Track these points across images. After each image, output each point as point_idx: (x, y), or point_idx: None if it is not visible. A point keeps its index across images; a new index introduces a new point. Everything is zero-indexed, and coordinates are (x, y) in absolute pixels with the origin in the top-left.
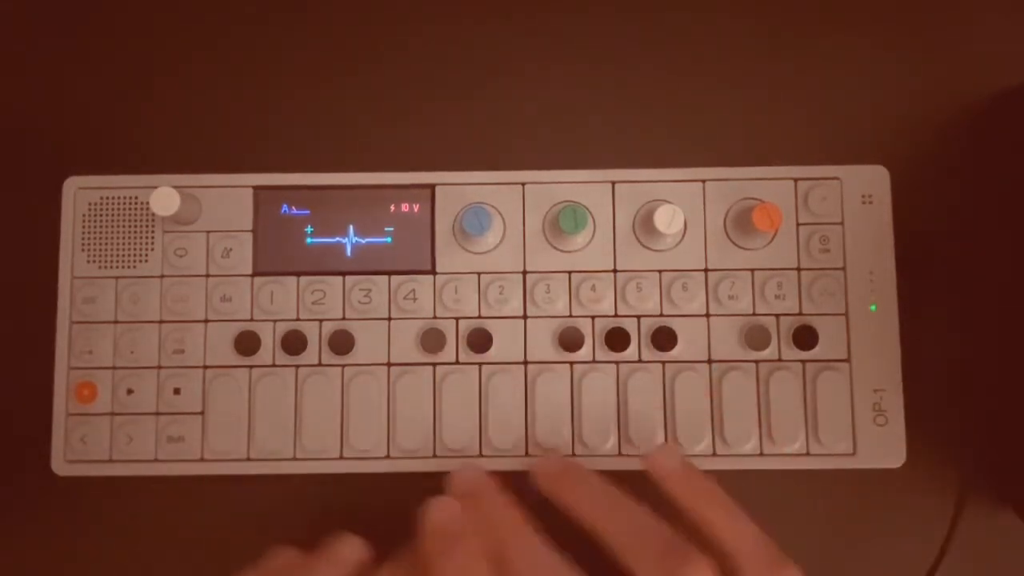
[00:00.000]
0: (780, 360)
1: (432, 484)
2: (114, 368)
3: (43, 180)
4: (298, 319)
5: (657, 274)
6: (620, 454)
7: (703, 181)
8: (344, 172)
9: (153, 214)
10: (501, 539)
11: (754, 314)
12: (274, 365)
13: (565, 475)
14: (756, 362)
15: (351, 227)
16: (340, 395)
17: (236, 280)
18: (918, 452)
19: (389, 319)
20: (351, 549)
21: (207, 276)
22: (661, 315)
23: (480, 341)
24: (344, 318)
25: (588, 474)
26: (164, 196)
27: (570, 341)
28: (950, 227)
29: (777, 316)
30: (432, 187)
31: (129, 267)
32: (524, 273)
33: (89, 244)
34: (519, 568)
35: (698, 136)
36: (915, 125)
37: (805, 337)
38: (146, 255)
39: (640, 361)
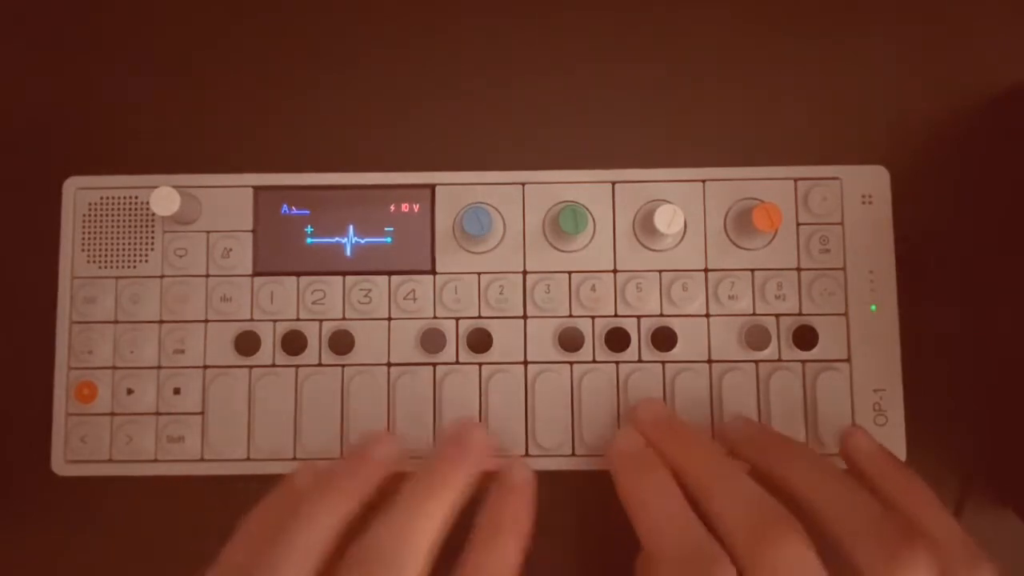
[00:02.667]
0: (780, 360)
1: None
2: (114, 368)
3: (43, 180)
4: (298, 319)
5: (657, 274)
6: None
7: (703, 181)
8: (344, 172)
9: (153, 214)
10: (698, 469)
11: (754, 314)
12: (274, 365)
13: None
14: (756, 362)
15: (351, 227)
16: (340, 395)
17: (236, 280)
18: (918, 452)
19: (389, 319)
20: (385, 448)
21: (207, 276)
22: (661, 315)
23: (480, 341)
24: (344, 318)
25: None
26: (164, 196)
27: (570, 341)
28: (950, 227)
29: (777, 316)
30: (432, 187)
31: (129, 267)
32: (524, 273)
33: (89, 244)
34: (722, 499)
35: (698, 136)
36: (915, 125)
37: (805, 337)
38: (146, 255)
39: (640, 361)
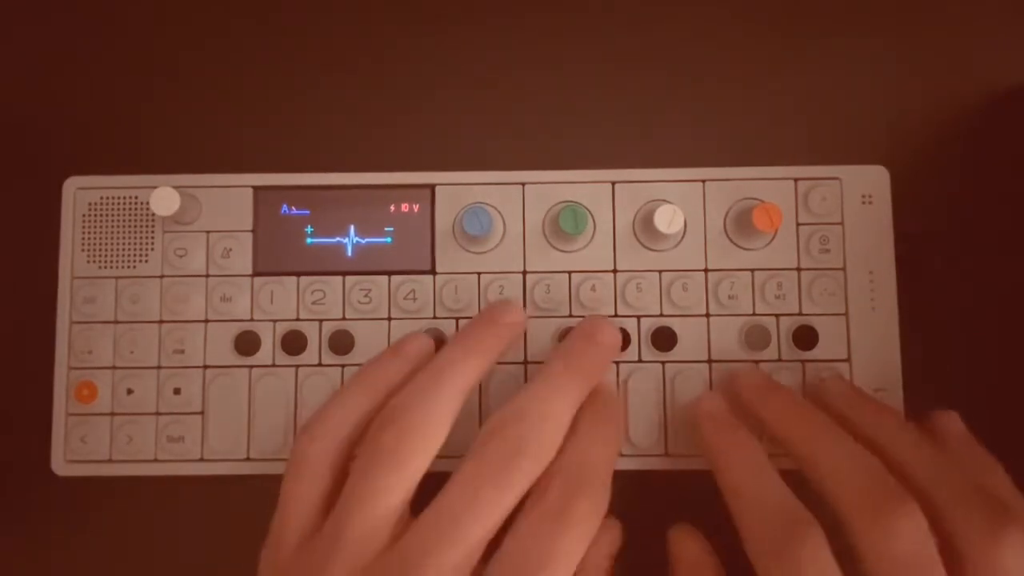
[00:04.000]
0: (780, 360)
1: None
2: (114, 368)
3: (43, 180)
4: (298, 319)
5: (657, 274)
6: (621, 454)
7: (703, 181)
8: (344, 172)
9: (153, 214)
10: (804, 436)
11: (754, 314)
12: (274, 365)
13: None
14: (756, 362)
15: (351, 227)
16: None
17: (236, 280)
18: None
19: (389, 319)
20: (516, 314)
21: (207, 276)
22: (661, 315)
23: None
24: (344, 318)
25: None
26: (164, 196)
27: None
28: (950, 227)
29: (777, 316)
30: (432, 187)
31: (129, 267)
32: (524, 273)
33: (89, 244)
34: (831, 470)
35: (698, 136)
36: (915, 125)
37: (805, 337)
38: (146, 255)
39: (640, 361)
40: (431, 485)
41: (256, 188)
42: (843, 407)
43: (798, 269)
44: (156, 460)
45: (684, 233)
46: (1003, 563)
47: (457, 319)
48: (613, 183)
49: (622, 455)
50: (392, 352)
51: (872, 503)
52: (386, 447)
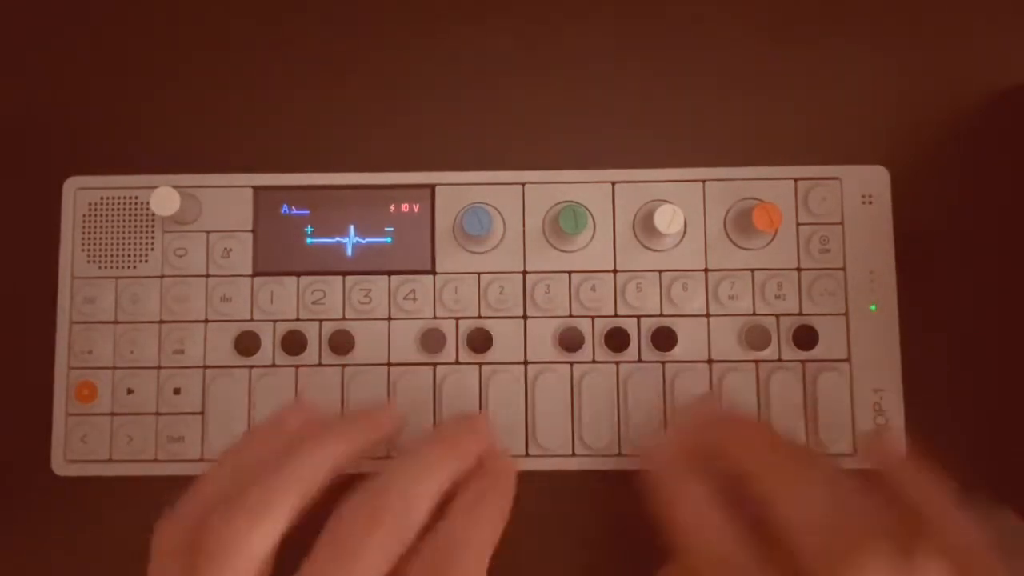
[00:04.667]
0: (780, 360)
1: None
2: (114, 368)
3: (43, 180)
4: (298, 319)
5: (657, 274)
6: (620, 454)
7: (703, 181)
8: (344, 172)
9: (153, 214)
10: (768, 471)
11: (754, 314)
12: (274, 365)
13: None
14: (756, 362)
15: (351, 227)
16: (340, 395)
17: (236, 280)
18: (918, 452)
19: (389, 319)
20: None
21: (207, 276)
22: (661, 315)
23: (480, 341)
24: (344, 318)
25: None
26: (164, 196)
27: (570, 341)
28: (950, 227)
29: (777, 316)
30: (432, 187)
31: (129, 267)
32: (524, 273)
33: (89, 244)
34: (795, 509)
35: (698, 136)
36: (915, 125)
37: (805, 337)
38: (146, 255)
39: (640, 361)
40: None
41: (256, 188)
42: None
43: (798, 269)
44: (156, 460)
45: (684, 233)
46: None
47: (457, 319)
48: (613, 183)
49: (624, 455)
50: (360, 414)
51: (833, 546)
52: (360, 527)
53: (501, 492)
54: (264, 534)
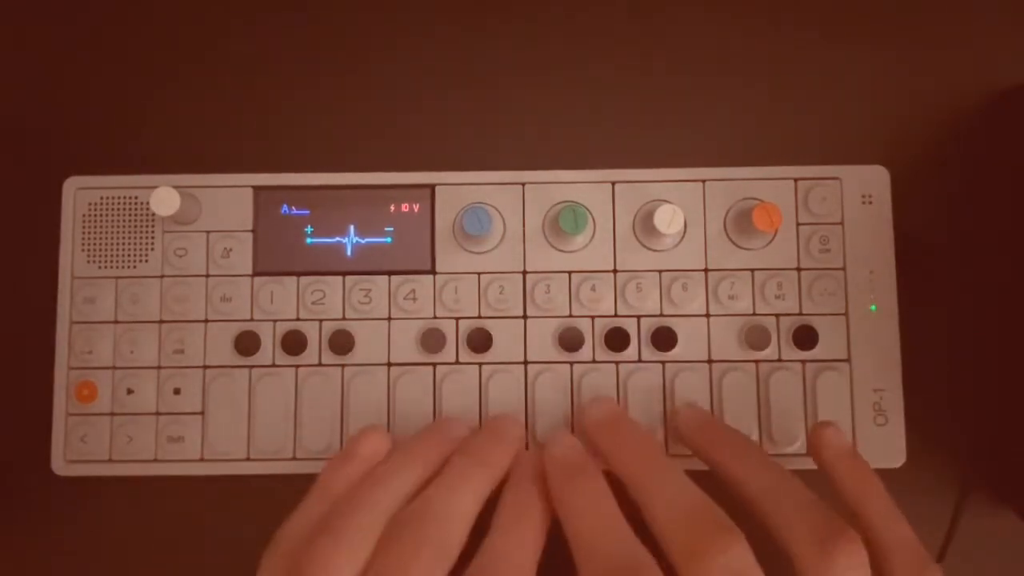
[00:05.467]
0: (780, 360)
1: None
2: (114, 368)
3: (43, 180)
4: (298, 319)
5: (657, 274)
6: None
7: (703, 181)
8: (344, 172)
9: (153, 214)
10: (638, 474)
11: (754, 314)
12: (274, 365)
13: (711, 429)
14: (756, 362)
15: (351, 227)
16: (340, 395)
17: (236, 280)
18: (918, 452)
19: (389, 319)
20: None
21: (207, 276)
22: (661, 315)
23: (480, 341)
24: (344, 318)
25: (735, 431)
26: (164, 196)
27: (570, 341)
28: (950, 227)
29: (777, 316)
30: (432, 187)
31: (129, 267)
32: (524, 273)
33: (89, 244)
34: (660, 507)
35: (698, 136)
36: (915, 125)
37: (805, 337)
38: (146, 255)
39: (640, 361)
40: None
41: (256, 188)
42: (693, 435)
43: (798, 269)
44: (156, 460)
45: (684, 233)
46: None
47: (457, 319)
48: (613, 183)
49: None
50: (344, 456)
51: (692, 541)
52: (402, 557)
53: (532, 508)
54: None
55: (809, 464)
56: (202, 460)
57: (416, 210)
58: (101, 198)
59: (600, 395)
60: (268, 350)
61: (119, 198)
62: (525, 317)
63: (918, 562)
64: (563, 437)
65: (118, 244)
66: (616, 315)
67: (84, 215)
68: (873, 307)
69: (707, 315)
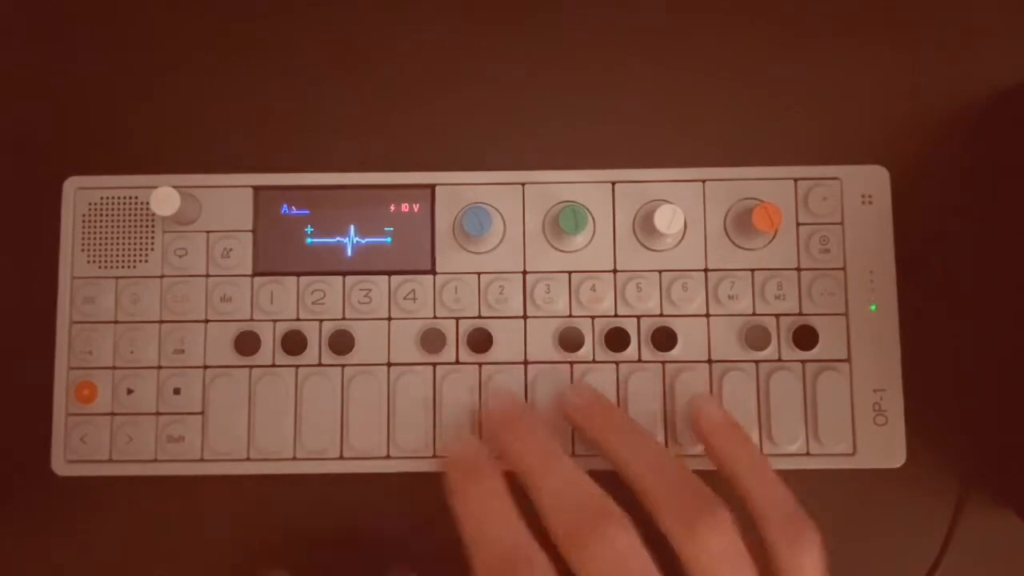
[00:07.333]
0: (780, 360)
1: (432, 484)
2: (114, 368)
3: (43, 180)
4: (298, 319)
5: (657, 274)
6: None
7: (703, 181)
8: (344, 172)
9: (153, 214)
10: (528, 467)
11: (754, 314)
12: (274, 365)
13: (595, 408)
14: (756, 362)
15: (351, 227)
16: (340, 395)
17: (236, 280)
18: (918, 452)
19: (389, 319)
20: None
21: (207, 276)
22: (661, 315)
23: (480, 341)
24: (344, 318)
25: (616, 410)
26: (164, 196)
27: (570, 341)
28: (950, 227)
29: (777, 316)
30: (432, 187)
31: (129, 267)
32: (524, 273)
33: (89, 244)
34: (546, 497)
35: (698, 136)
36: (915, 125)
37: (805, 337)
38: (146, 255)
39: (640, 361)
40: None
41: (256, 188)
42: (573, 413)
43: (798, 269)
44: (156, 460)
45: (684, 233)
46: (706, 550)
47: (457, 319)
48: (613, 183)
49: None
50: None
51: (572, 530)
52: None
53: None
54: None
55: (809, 465)
56: (202, 460)
57: (416, 210)
58: (101, 198)
59: (500, 389)
60: (268, 350)
61: (119, 198)
62: (525, 317)
63: (794, 524)
64: (462, 439)
65: (118, 244)
66: (616, 315)
67: (84, 215)
68: (873, 307)
69: (707, 315)
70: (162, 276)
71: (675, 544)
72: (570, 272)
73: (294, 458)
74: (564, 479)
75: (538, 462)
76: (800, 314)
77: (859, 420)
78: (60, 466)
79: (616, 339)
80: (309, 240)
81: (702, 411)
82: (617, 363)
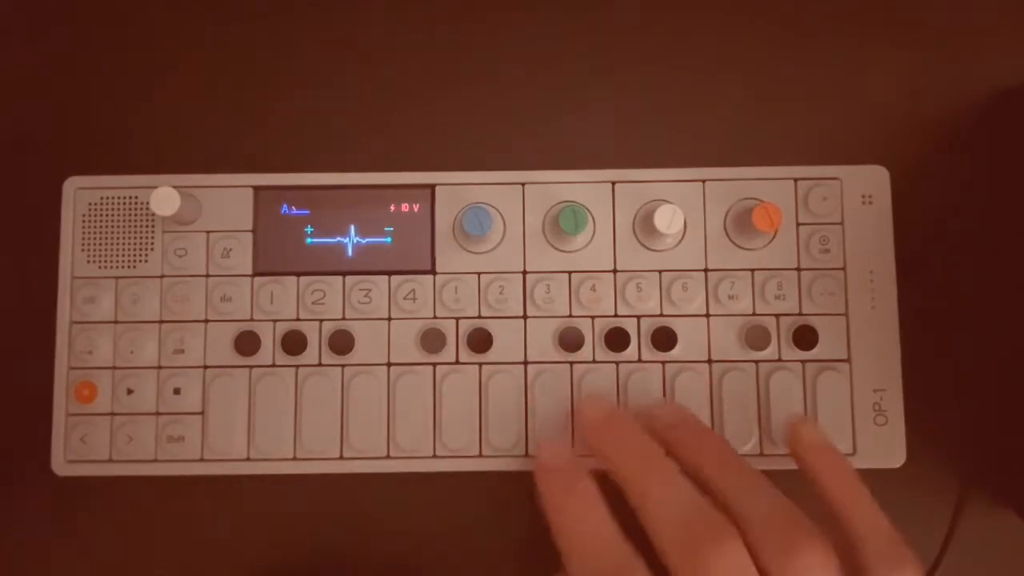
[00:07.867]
0: (780, 360)
1: (432, 484)
2: (114, 368)
3: (43, 180)
4: (298, 319)
5: (657, 274)
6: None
7: (703, 181)
8: (344, 172)
9: (153, 214)
10: (632, 473)
11: (754, 314)
12: (274, 365)
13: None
14: (756, 362)
15: (351, 227)
16: (340, 395)
17: (236, 280)
18: (918, 452)
19: (389, 319)
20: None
21: (207, 276)
22: (661, 315)
23: (480, 341)
24: (344, 318)
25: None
26: (164, 196)
27: (570, 341)
28: (950, 227)
29: (777, 316)
30: (432, 187)
31: (129, 267)
32: (524, 273)
33: (89, 244)
34: (653, 506)
35: (698, 136)
36: (915, 125)
37: (805, 337)
38: (146, 255)
39: (640, 361)
40: None
41: (256, 188)
42: (666, 432)
43: (798, 269)
44: (156, 460)
45: (684, 233)
46: None
47: (457, 319)
48: (613, 183)
49: None
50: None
51: (688, 542)
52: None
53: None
54: None
55: None
56: (202, 460)
57: (416, 210)
58: (101, 198)
59: (595, 392)
60: (268, 350)
61: (119, 198)
62: (525, 317)
63: (895, 550)
64: (552, 445)
65: (118, 244)
66: (616, 315)
67: (84, 215)
68: (873, 307)
69: (707, 315)
70: (162, 276)
71: (774, 570)
72: (570, 272)
73: (294, 458)
74: (673, 488)
75: (645, 470)
76: (800, 314)
77: (859, 420)
78: (60, 466)
79: (616, 339)
80: (309, 240)
81: (801, 433)
82: (617, 363)
